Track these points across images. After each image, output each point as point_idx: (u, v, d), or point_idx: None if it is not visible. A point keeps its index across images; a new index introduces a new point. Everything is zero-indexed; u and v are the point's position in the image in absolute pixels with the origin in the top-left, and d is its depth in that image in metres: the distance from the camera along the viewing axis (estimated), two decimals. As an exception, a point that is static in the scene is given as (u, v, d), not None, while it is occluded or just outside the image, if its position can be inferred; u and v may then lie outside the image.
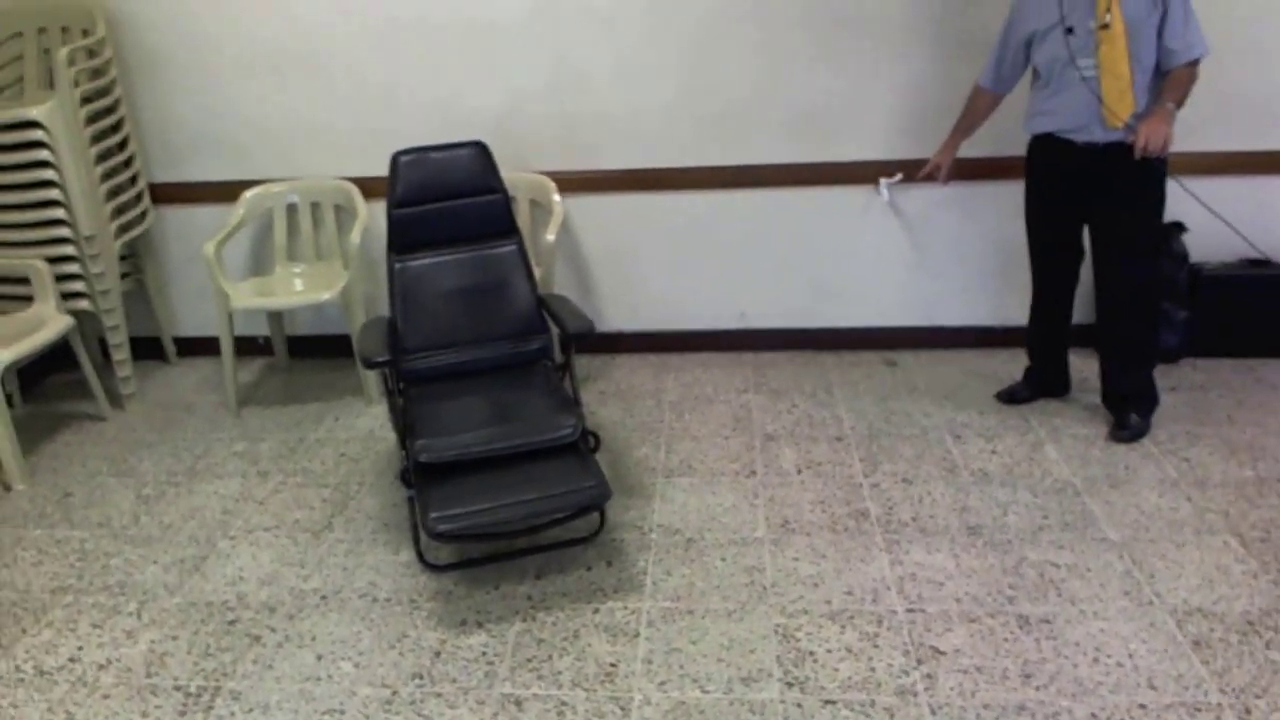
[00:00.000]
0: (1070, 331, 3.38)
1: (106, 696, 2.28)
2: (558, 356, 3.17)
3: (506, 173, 3.20)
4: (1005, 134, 3.37)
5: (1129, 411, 3.20)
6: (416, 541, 2.76)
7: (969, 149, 3.38)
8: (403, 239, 3.10)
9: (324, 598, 2.60)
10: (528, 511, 2.49)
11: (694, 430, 3.41)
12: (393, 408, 2.90)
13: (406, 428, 2.78)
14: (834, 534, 2.76)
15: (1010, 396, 3.47)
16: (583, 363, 3.95)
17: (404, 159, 3.07)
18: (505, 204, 3.15)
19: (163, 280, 4.14)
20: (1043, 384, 3.46)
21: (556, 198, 3.73)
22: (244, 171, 3.93)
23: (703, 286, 3.98)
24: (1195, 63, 2.83)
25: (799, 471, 3.10)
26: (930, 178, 3.42)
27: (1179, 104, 2.82)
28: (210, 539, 2.90)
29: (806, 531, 2.78)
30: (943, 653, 2.28)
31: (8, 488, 3.21)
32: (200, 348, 4.17)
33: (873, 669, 2.24)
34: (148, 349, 4.15)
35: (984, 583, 2.52)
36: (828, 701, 2.15)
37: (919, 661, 2.26)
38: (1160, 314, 3.49)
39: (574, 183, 3.82)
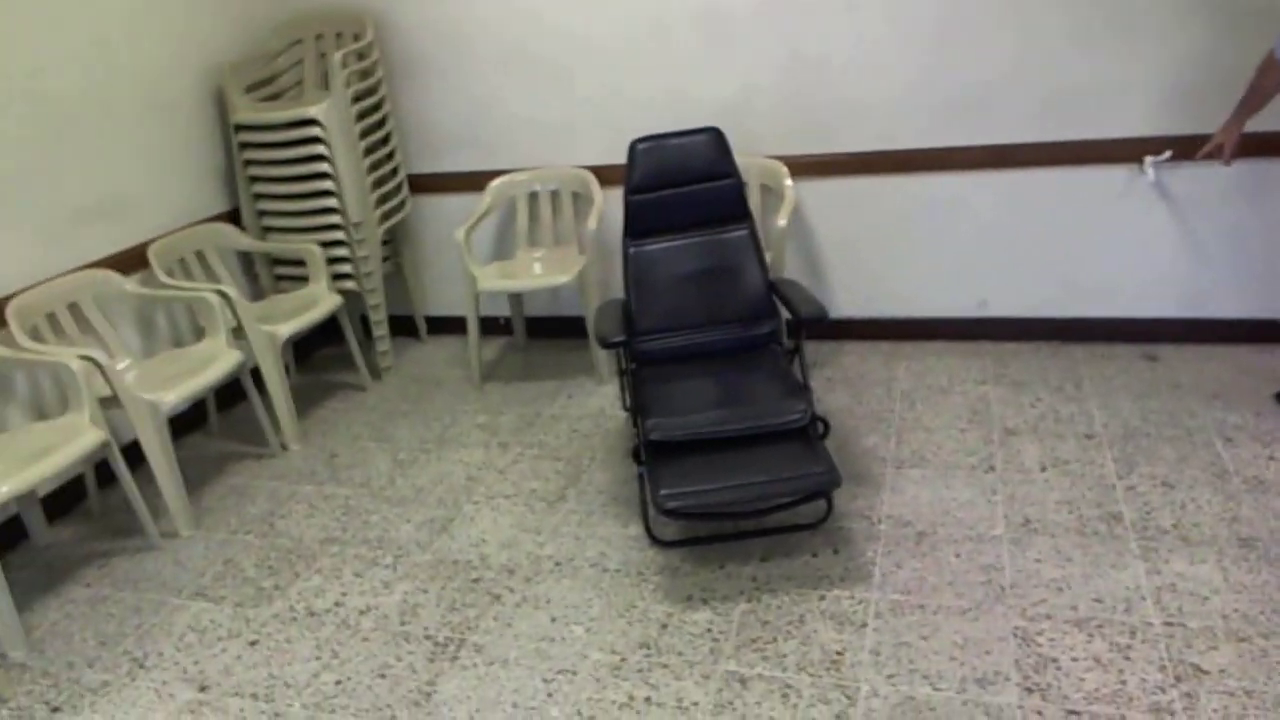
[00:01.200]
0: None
1: (366, 639, 2.49)
2: (787, 341, 3.15)
3: (739, 158, 3.20)
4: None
5: None
6: (645, 516, 2.83)
7: (1257, 122, 3.02)
8: (638, 224, 3.17)
9: (558, 564, 2.72)
10: (756, 493, 2.49)
11: (927, 421, 3.29)
12: (625, 387, 2.99)
13: (638, 407, 2.85)
14: (1082, 537, 2.58)
15: (1294, 398, 3.11)
16: (811, 349, 3.89)
17: (641, 146, 3.14)
18: (738, 189, 3.15)
19: (417, 263, 4.46)
20: (1336, 385, 3.08)
21: (788, 182, 3.70)
22: (491, 162, 4.16)
23: (939, 272, 3.82)
24: None
25: (1043, 469, 2.92)
26: (1211, 156, 3.10)
27: None
28: (456, 502, 3.10)
29: (1051, 532, 2.61)
30: (1205, 672, 2.08)
31: (285, 447, 3.58)
32: (448, 326, 4.47)
33: (1124, 682, 2.08)
34: (402, 326, 4.49)
35: (1257, 600, 2.27)
36: (1072, 712, 2.02)
37: (1177, 679, 2.07)
38: None
39: (808, 167, 3.77)
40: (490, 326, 4.38)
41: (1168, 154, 3.37)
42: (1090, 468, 2.90)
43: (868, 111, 3.66)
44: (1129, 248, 3.58)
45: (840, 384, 3.64)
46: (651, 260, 3.18)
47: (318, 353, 4.49)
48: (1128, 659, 2.15)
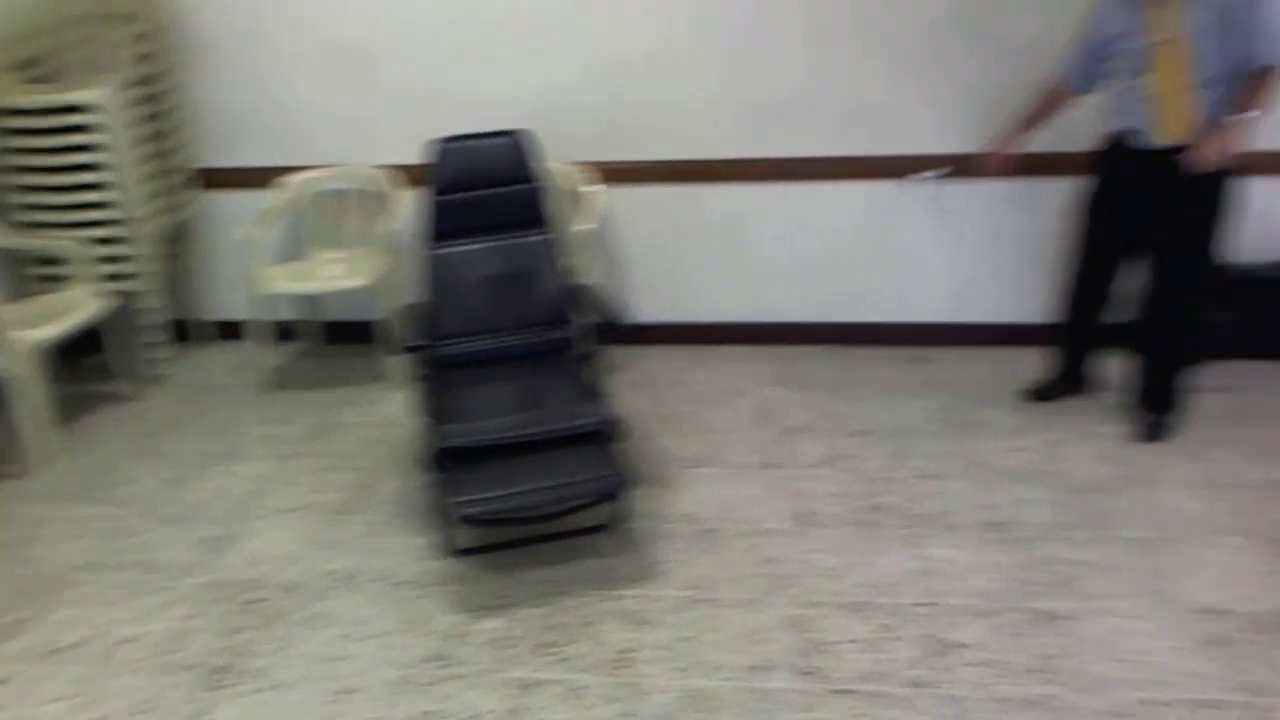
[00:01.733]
0: (1103, 331, 3.33)
1: (128, 672, 2.32)
2: (586, 346, 3.18)
3: (548, 163, 3.20)
4: (1067, 129, 3.29)
5: (1156, 412, 3.15)
6: (439, 526, 2.79)
7: (1025, 144, 3.28)
8: (439, 226, 3.11)
9: (346, 579, 2.64)
10: (549, 498, 2.52)
11: (719, 422, 3.41)
12: (420, 393, 2.93)
13: (433, 413, 2.81)
14: (854, 527, 2.75)
15: (1038, 394, 3.43)
16: (617, 353, 3.94)
17: (444, 147, 3.09)
18: (539, 193, 3.16)
19: (207, 264, 4.21)
20: (1071, 382, 3.41)
21: (591, 188, 3.74)
22: (288, 158, 3.97)
23: (735, 279, 3.97)
24: (1269, 70, 2.70)
25: (821, 465, 3.09)
26: (987, 172, 3.34)
27: (1259, 109, 2.73)
28: (237, 519, 2.95)
29: (826, 524, 2.77)
30: (958, 646, 2.27)
31: (41, 465, 3.27)
32: (240, 331, 4.24)
33: (888, 660, 2.23)
34: (189, 331, 4.23)
35: (1004, 578, 2.50)
36: (840, 691, 2.15)
37: (934, 654, 2.25)
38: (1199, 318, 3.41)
39: (615, 173, 3.83)
40: (287, 331, 4.19)
41: (944, 170, 3.64)
42: (863, 463, 3.09)
43: (672, 121, 3.76)
44: (906, 257, 3.85)
45: (640, 387, 3.71)
46: (452, 263, 3.13)
47: (89, 359, 4.14)
48: (892, 639, 2.30)
